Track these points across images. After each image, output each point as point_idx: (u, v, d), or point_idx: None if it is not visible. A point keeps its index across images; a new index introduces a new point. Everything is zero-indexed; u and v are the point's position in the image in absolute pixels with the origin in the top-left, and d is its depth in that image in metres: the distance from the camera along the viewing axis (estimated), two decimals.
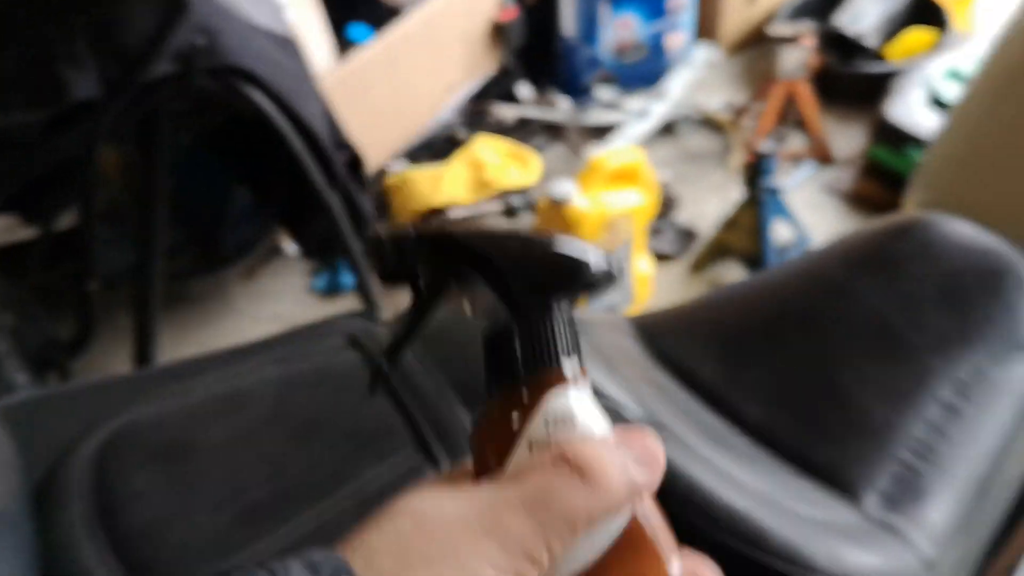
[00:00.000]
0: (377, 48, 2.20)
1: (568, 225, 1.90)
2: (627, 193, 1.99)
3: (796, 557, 0.67)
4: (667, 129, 2.78)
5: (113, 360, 2.19)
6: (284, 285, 2.43)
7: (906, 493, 0.77)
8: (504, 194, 2.31)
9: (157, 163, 1.49)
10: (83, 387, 0.81)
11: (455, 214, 2.25)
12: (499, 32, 2.58)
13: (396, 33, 2.24)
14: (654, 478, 0.37)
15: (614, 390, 0.68)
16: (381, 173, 2.46)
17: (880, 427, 0.80)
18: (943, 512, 0.77)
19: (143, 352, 1.69)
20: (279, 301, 2.38)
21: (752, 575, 0.68)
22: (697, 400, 0.86)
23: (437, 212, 2.29)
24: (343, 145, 1.66)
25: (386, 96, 2.30)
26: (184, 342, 2.33)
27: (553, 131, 2.68)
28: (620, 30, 2.81)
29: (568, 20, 2.73)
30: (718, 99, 2.85)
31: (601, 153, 2.03)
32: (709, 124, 2.80)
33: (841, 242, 0.99)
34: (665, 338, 0.94)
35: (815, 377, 0.84)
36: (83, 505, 0.62)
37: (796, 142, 2.65)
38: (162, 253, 2.64)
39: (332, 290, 2.33)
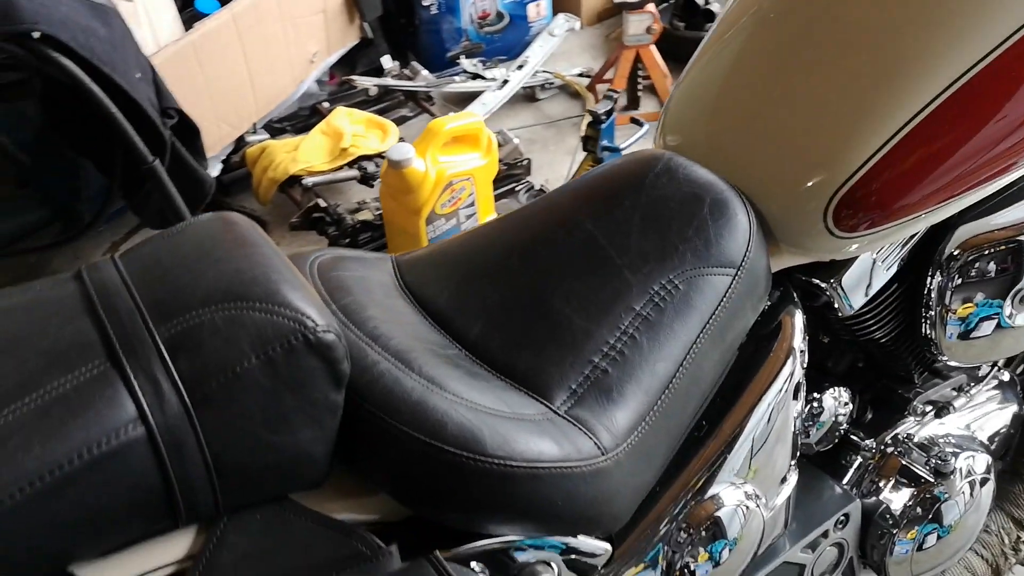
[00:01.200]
0: (223, 18, 2.23)
1: (409, 186, 1.97)
2: (467, 156, 2.07)
3: (468, 444, 0.76)
4: (529, 97, 2.86)
5: None
6: None
7: (593, 392, 0.86)
8: (359, 160, 2.36)
9: None
10: None
11: (310, 181, 2.30)
12: (356, 3, 2.62)
13: (243, 3, 2.27)
14: None
15: (326, 317, 0.74)
16: (241, 143, 2.49)
17: (579, 336, 0.89)
18: (627, 409, 0.86)
19: None
20: None
21: (432, 465, 0.76)
22: (427, 323, 0.94)
23: (295, 179, 2.34)
24: (171, 113, 1.69)
25: (239, 67, 2.33)
26: None
27: (417, 102, 2.74)
28: (480, 2, 2.87)
29: None
30: (576, 67, 2.94)
31: (441, 119, 2.10)
32: (568, 91, 2.88)
33: (584, 176, 1.08)
34: (413, 272, 1.01)
35: (529, 298, 0.93)
36: None
37: (648, 105, 2.76)
38: (22, 230, 2.64)
39: None
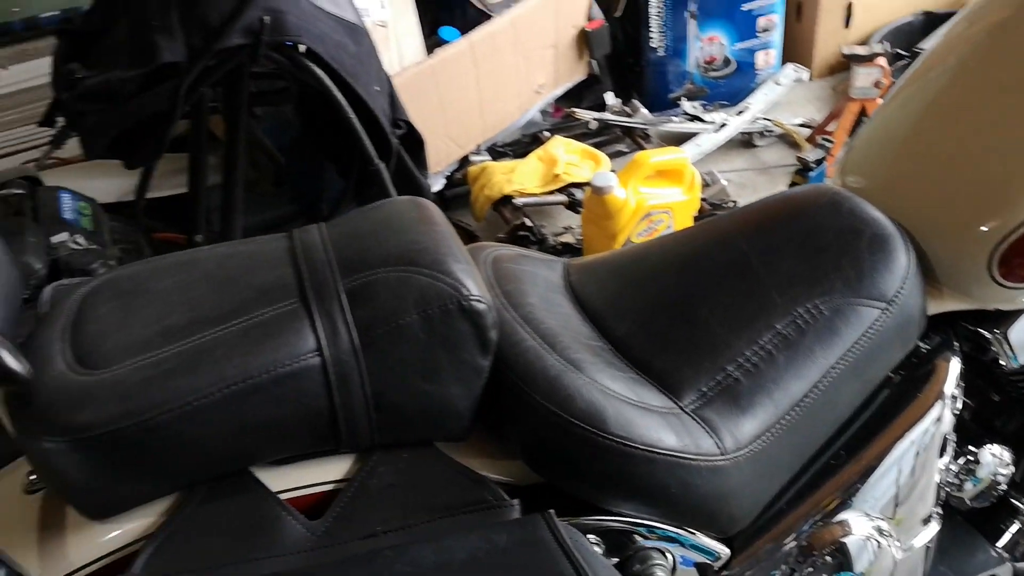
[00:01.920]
0: (462, 46, 2.44)
1: (608, 212, 2.07)
2: (669, 190, 2.14)
3: (593, 420, 0.84)
4: (746, 143, 2.89)
5: None
6: None
7: (722, 396, 0.91)
8: (570, 186, 2.49)
9: (237, 128, 1.77)
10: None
11: (521, 202, 2.45)
12: (586, 40, 2.77)
13: (481, 34, 2.47)
14: None
15: (481, 289, 0.85)
16: (465, 162, 2.69)
17: (717, 344, 0.95)
18: (753, 418, 0.91)
19: None
20: None
21: (559, 435, 0.85)
22: (581, 317, 1.03)
23: (508, 199, 2.50)
24: (400, 124, 1.89)
25: (470, 91, 2.53)
26: None
27: (633, 138, 2.84)
28: (708, 46, 2.94)
29: (655, 35, 2.89)
30: (799, 117, 2.93)
31: (647, 151, 2.19)
32: (787, 140, 2.89)
33: (752, 203, 1.14)
34: (577, 274, 1.11)
35: (677, 305, 1.00)
36: (65, 320, 0.86)
37: None
38: (275, 222, 2.96)
39: None
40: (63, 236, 1.84)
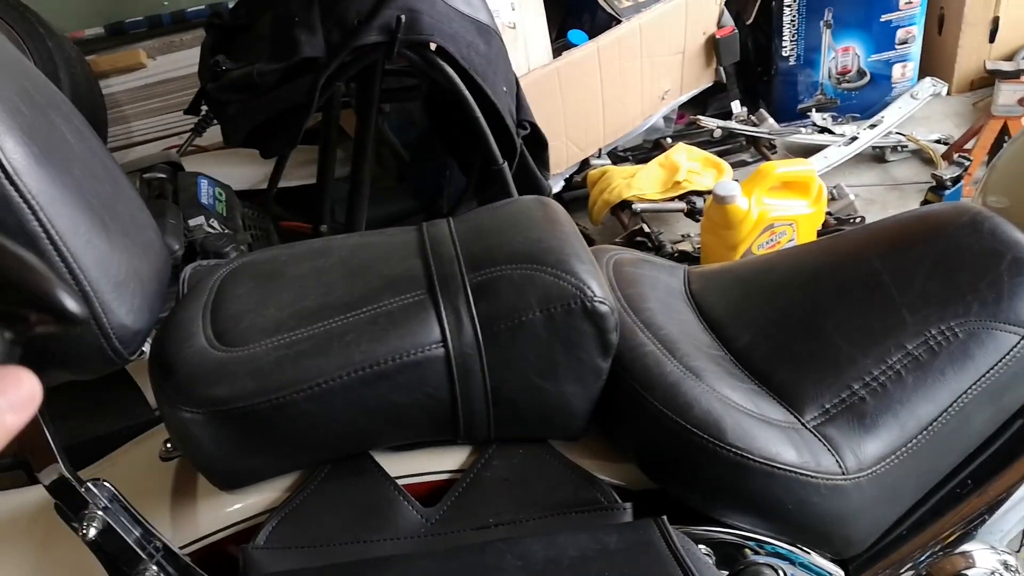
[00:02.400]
0: (589, 50, 2.44)
1: (729, 222, 2.03)
2: (793, 202, 2.09)
3: (710, 429, 0.83)
4: (878, 157, 2.80)
5: None
6: None
7: (846, 415, 0.89)
8: (690, 194, 2.46)
9: (368, 123, 1.82)
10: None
11: (640, 207, 2.44)
12: (715, 47, 2.74)
13: (608, 38, 2.47)
14: (22, 418, 0.38)
15: (604, 290, 0.86)
16: (585, 165, 2.69)
17: (843, 361, 0.92)
18: (877, 440, 0.88)
19: None
20: None
21: (675, 442, 0.84)
22: (701, 325, 1.02)
23: (627, 204, 2.49)
24: (525, 125, 1.90)
25: (594, 95, 2.53)
26: None
27: (758, 148, 2.79)
28: (841, 57, 2.86)
29: (787, 43, 2.83)
30: (935, 133, 2.82)
31: (772, 162, 2.14)
32: (921, 156, 2.78)
33: (886, 219, 1.10)
34: (698, 281, 1.10)
35: (802, 318, 0.98)
36: (206, 298, 0.90)
37: None
38: (396, 216, 3.03)
39: None
40: (199, 220, 1.93)
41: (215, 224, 1.95)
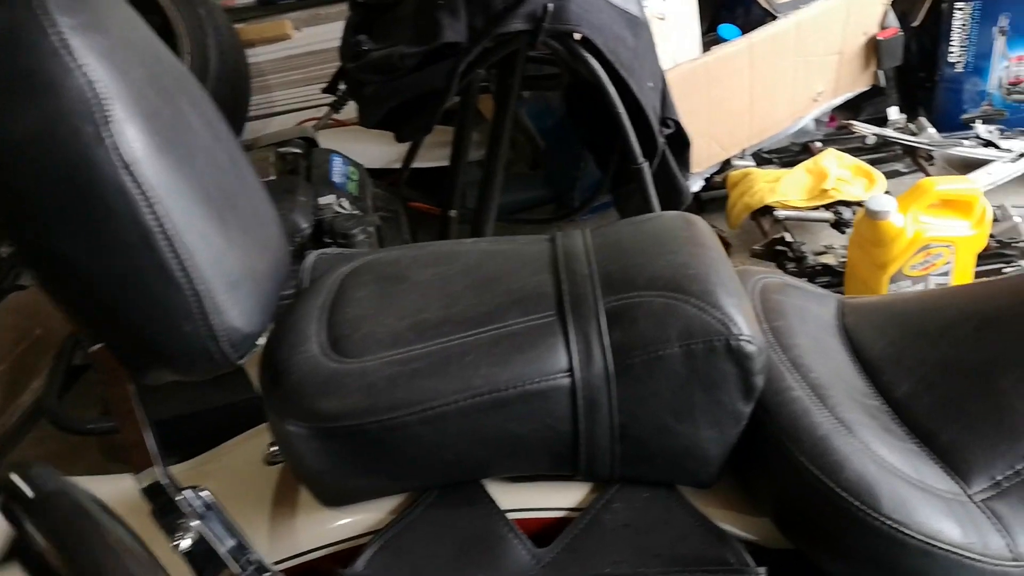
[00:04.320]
0: (740, 45, 2.31)
1: (881, 239, 1.89)
2: (953, 221, 1.93)
3: (862, 495, 0.73)
4: None
5: None
6: None
7: (1020, 490, 0.77)
8: (837, 204, 2.31)
9: (506, 110, 1.76)
10: (364, 252, 1.07)
11: (782, 214, 2.30)
12: (876, 49, 2.56)
13: (762, 34, 2.34)
14: None
15: (752, 328, 0.77)
16: (726, 165, 2.57)
17: (1019, 426, 0.81)
18: None
19: None
20: None
21: (821, 503, 0.75)
22: (855, 367, 0.91)
23: (768, 209, 2.36)
24: (669, 123, 1.81)
25: (742, 93, 2.41)
26: None
27: (915, 159, 2.60)
28: (1015, 66, 2.64)
29: (956, 49, 2.62)
30: None
31: (933, 178, 1.98)
32: None
33: None
34: (853, 315, 0.99)
35: (973, 369, 0.86)
36: (325, 298, 0.86)
37: None
38: (527, 203, 2.98)
39: None
40: (330, 198, 1.91)
41: (345, 204, 1.93)
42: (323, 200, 1.90)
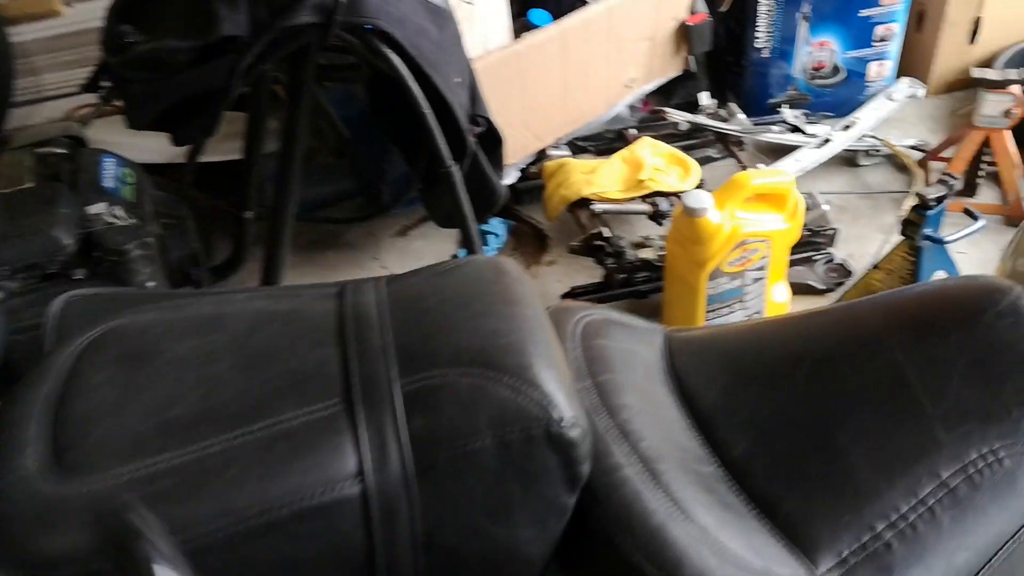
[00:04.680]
0: (552, 32, 2.22)
1: (699, 237, 1.85)
2: (768, 216, 1.91)
3: None
4: (849, 161, 2.63)
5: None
6: (431, 249, 2.51)
7: (868, 567, 0.71)
8: (655, 195, 2.27)
9: (299, 108, 1.58)
10: (130, 293, 0.88)
11: (599, 207, 2.24)
12: (686, 35, 2.53)
13: (574, 20, 2.25)
14: None
15: (575, 408, 0.66)
16: (542, 155, 2.48)
17: (863, 491, 0.74)
18: None
19: (267, 282, 1.80)
20: (422, 262, 2.45)
21: None
22: (687, 422, 0.83)
23: (586, 202, 2.29)
24: (479, 121, 1.69)
25: (555, 81, 2.32)
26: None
27: (726, 145, 2.60)
28: (817, 52, 2.68)
29: (762, 35, 2.64)
30: (911, 137, 2.67)
31: (748, 172, 1.96)
32: (895, 162, 2.63)
33: (898, 292, 0.92)
34: (681, 355, 0.91)
35: (813, 423, 0.79)
36: (52, 384, 0.68)
37: (986, 196, 2.45)
38: (333, 197, 2.79)
39: None
40: (100, 207, 1.68)
41: (119, 213, 1.70)
42: (92, 210, 1.66)
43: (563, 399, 0.65)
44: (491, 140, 1.76)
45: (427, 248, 2.51)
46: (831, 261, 2.29)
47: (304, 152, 1.72)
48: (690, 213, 1.83)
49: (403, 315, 0.71)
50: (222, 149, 2.23)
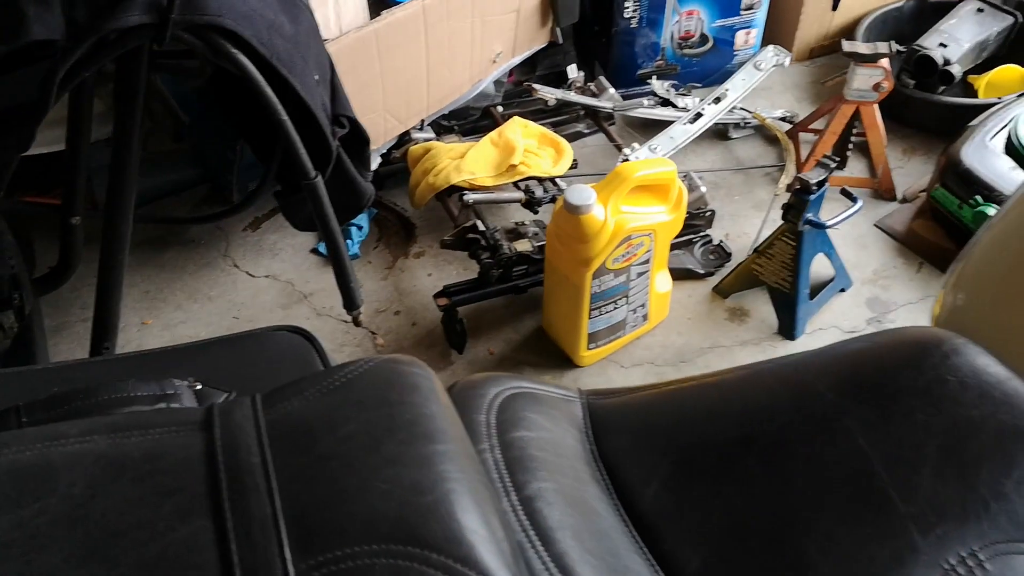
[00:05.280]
0: (413, 8, 2.04)
1: (583, 235, 1.74)
2: (652, 208, 1.83)
3: None
4: (720, 134, 2.59)
5: (83, 293, 2.11)
6: (287, 243, 2.32)
7: None
8: (529, 181, 2.15)
9: (130, 111, 1.36)
10: None
11: (471, 198, 2.10)
12: (552, 5, 2.40)
13: None
14: None
15: (491, 523, 0.54)
16: (405, 137, 2.31)
17: None
18: None
19: (104, 296, 1.57)
20: (277, 258, 2.26)
21: None
22: (629, 538, 0.71)
23: (456, 189, 2.14)
24: (343, 122, 1.51)
25: (418, 61, 2.15)
26: (176, 285, 2.23)
27: (596, 120, 2.50)
28: (685, 21, 2.61)
29: (631, 3, 2.54)
30: (778, 107, 2.65)
31: (630, 161, 1.87)
32: (765, 134, 2.60)
33: (842, 350, 0.83)
34: (614, 437, 0.79)
35: (771, 529, 0.69)
36: None
37: (854, 168, 2.45)
38: (174, 187, 2.53)
39: None
40: None
41: None
42: None
43: (505, 572, 0.52)
44: (356, 140, 1.58)
45: (282, 243, 2.32)
46: (709, 243, 2.24)
47: (144, 124, 1.48)
48: (573, 210, 1.71)
49: (293, 463, 0.56)
50: (41, 139, 1.95)
